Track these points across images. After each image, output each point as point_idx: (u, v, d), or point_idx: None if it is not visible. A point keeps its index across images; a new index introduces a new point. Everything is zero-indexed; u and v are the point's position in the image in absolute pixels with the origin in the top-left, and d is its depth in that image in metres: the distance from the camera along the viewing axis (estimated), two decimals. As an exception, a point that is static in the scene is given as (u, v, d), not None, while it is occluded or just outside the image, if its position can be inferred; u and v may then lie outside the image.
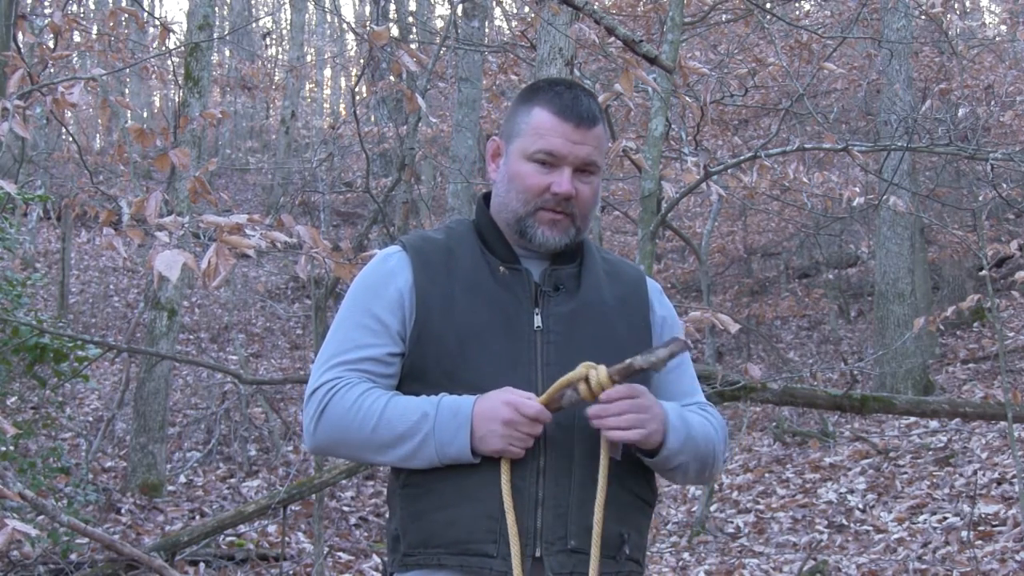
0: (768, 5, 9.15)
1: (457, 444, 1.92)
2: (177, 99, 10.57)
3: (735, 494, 8.37)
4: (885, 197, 6.40)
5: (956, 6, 12.65)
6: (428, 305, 2.03)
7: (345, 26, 17.97)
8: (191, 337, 13.42)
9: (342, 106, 26.10)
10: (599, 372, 1.91)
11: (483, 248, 2.09)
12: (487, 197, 2.16)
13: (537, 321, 2.03)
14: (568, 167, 2.03)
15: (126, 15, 7.91)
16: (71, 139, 9.70)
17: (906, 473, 8.12)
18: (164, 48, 8.36)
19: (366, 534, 7.66)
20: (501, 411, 1.90)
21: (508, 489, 1.92)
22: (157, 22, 6.91)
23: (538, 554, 1.94)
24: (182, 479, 8.74)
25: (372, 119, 16.03)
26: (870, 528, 7.06)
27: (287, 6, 26.64)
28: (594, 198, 2.09)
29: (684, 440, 2.00)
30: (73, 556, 6.20)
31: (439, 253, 2.08)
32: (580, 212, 2.06)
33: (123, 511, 7.72)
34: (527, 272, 2.07)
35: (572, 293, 2.08)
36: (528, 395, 1.93)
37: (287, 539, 6.91)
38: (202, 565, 6.53)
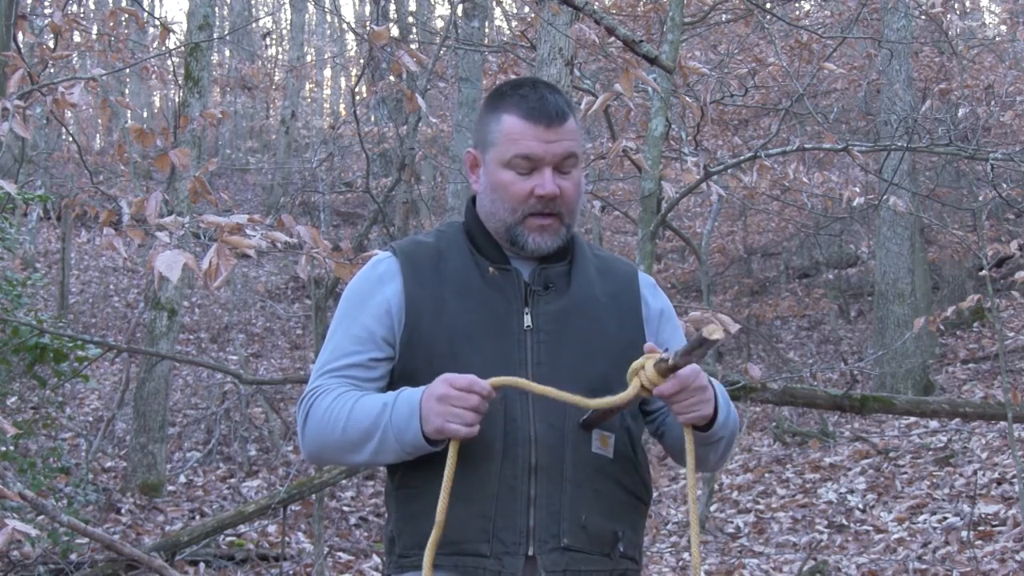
0: (768, 5, 9.14)
1: (411, 430, 1.92)
2: (177, 99, 10.58)
3: (735, 494, 8.37)
4: (885, 197, 6.39)
5: (956, 6, 12.65)
6: (418, 309, 2.04)
7: (345, 26, 17.97)
8: (191, 337, 13.42)
9: (342, 106, 26.10)
10: (647, 372, 1.90)
11: (472, 250, 2.10)
12: (476, 199, 2.17)
13: (527, 320, 2.04)
14: (547, 167, 2.04)
15: (126, 15, 7.91)
16: (71, 139, 9.71)
17: (906, 473, 8.12)
18: (164, 48, 8.36)
19: (366, 534, 7.66)
20: (436, 388, 1.90)
21: (450, 473, 1.91)
22: (157, 22, 6.91)
23: (531, 552, 1.95)
24: (182, 479, 8.74)
25: (372, 119, 16.02)
26: (870, 528, 7.06)
27: (287, 6, 26.63)
28: (578, 192, 2.09)
29: (727, 416, 2.03)
30: (73, 556, 6.20)
31: (429, 257, 2.10)
32: (567, 209, 2.07)
33: (123, 511, 7.72)
34: (517, 272, 2.08)
35: (562, 291, 2.08)
36: (636, 365, 1.92)
37: (287, 539, 6.91)
38: (202, 565, 6.53)
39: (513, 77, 9.81)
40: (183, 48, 9.03)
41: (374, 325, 2.06)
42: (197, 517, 7.71)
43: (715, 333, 1.77)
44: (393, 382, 2.06)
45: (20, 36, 5.20)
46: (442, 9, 21.63)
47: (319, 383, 2.05)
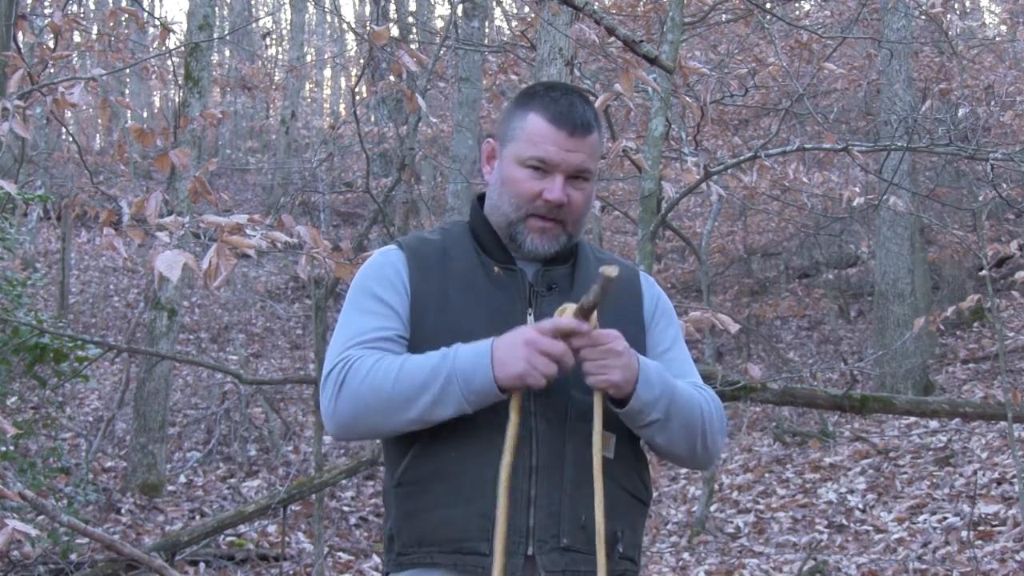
0: (768, 5, 9.14)
1: (480, 375, 1.88)
2: (177, 99, 10.58)
3: (735, 494, 8.37)
4: (885, 197, 6.39)
5: (956, 6, 12.65)
6: (423, 304, 2.04)
7: (345, 26, 17.97)
8: (191, 337, 13.42)
9: (342, 106, 26.09)
10: (567, 312, 1.93)
11: (478, 249, 2.10)
12: (482, 198, 2.17)
13: (530, 321, 2.03)
14: (560, 174, 2.04)
15: (126, 15, 7.91)
16: (71, 139, 9.71)
17: (906, 473, 8.12)
18: (164, 48, 8.36)
19: (366, 534, 7.66)
20: (523, 332, 1.89)
21: (515, 432, 1.91)
22: (157, 22, 6.91)
23: (531, 552, 1.95)
24: (182, 479, 8.74)
25: (372, 119, 16.02)
26: (870, 528, 7.06)
27: (287, 6, 26.63)
28: (586, 204, 2.09)
29: (659, 395, 1.97)
30: (73, 556, 6.20)
31: (434, 254, 2.09)
32: (572, 219, 2.07)
33: (123, 511, 7.72)
34: (521, 272, 2.08)
35: (565, 292, 2.08)
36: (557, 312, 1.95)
37: (287, 539, 6.92)
38: (202, 565, 6.54)
39: (514, 77, 9.83)
40: (183, 48, 9.03)
41: (396, 304, 2.04)
42: (197, 517, 7.72)
43: (611, 272, 1.84)
44: None
45: (20, 36, 5.20)
46: (442, 9, 21.67)
47: (350, 352, 1.98)
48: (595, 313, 1.92)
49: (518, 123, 2.08)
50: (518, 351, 1.87)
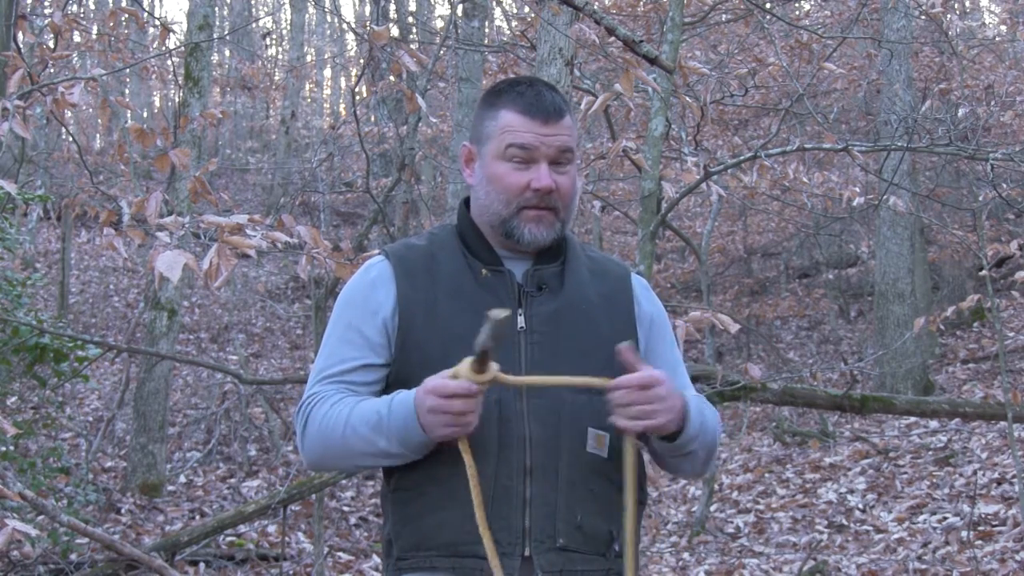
0: (768, 5, 9.14)
1: (415, 435, 1.91)
2: (177, 99, 10.57)
3: (735, 494, 8.37)
4: (885, 197, 6.40)
5: (956, 6, 12.66)
6: (411, 312, 2.04)
7: (345, 26, 17.97)
8: (191, 337, 13.42)
9: (342, 106, 26.09)
10: (465, 364, 1.88)
11: (465, 252, 2.10)
12: (468, 201, 2.17)
13: (520, 322, 2.03)
14: (543, 161, 2.04)
15: (126, 15, 7.91)
16: (71, 139, 9.71)
17: (906, 473, 8.12)
18: (164, 48, 8.37)
19: (366, 534, 7.66)
20: (426, 401, 1.89)
21: (473, 471, 1.91)
22: (157, 22, 6.91)
23: (527, 553, 1.95)
24: (182, 479, 8.74)
25: (372, 119, 16.01)
26: (870, 528, 7.06)
27: (287, 6, 26.63)
28: (574, 187, 2.09)
29: (699, 429, 2.01)
30: (73, 556, 6.20)
31: (422, 260, 2.10)
32: (563, 204, 2.07)
33: (123, 511, 7.72)
34: (510, 273, 2.08)
35: (555, 292, 2.08)
36: (450, 372, 1.88)
37: (287, 539, 6.92)
38: (202, 565, 6.54)
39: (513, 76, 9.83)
40: (183, 48, 9.03)
41: (368, 330, 2.06)
42: (197, 517, 7.72)
43: (498, 313, 1.80)
44: (388, 386, 2.06)
45: (20, 36, 5.20)
46: (442, 9, 21.68)
47: (316, 390, 2.05)
48: (492, 362, 1.87)
49: (490, 122, 2.09)
50: (428, 419, 1.89)
